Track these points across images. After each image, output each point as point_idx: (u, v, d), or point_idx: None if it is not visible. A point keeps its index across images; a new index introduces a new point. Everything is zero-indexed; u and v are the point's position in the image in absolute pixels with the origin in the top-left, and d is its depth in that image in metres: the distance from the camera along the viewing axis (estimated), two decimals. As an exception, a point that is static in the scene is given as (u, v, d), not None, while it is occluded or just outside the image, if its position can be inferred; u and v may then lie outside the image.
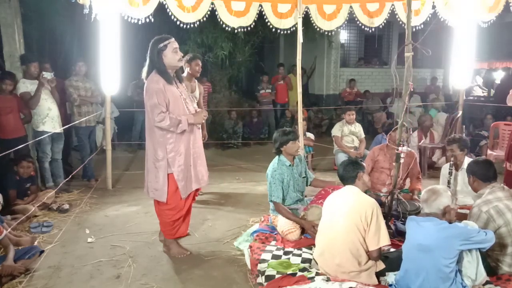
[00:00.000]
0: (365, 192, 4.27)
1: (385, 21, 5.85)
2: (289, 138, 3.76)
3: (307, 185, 4.09)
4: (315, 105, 10.44)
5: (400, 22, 5.69)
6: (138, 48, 6.72)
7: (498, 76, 11.41)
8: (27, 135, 5.00)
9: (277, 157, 3.86)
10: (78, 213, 4.49)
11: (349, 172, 3.00)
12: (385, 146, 4.47)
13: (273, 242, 3.53)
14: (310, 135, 6.73)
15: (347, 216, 2.80)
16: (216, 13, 5.35)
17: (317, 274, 2.92)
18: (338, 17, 5.75)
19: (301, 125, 5.62)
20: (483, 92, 11.27)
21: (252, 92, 9.73)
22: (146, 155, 3.37)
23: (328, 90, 11.01)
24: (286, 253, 3.30)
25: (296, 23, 5.51)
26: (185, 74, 4.60)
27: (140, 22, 5.01)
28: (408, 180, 4.55)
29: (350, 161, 3.09)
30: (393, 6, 5.72)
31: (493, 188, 2.98)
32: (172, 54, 3.19)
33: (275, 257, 3.22)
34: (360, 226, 2.75)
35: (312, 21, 5.68)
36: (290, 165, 3.84)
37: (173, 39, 3.22)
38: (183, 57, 3.34)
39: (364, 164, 3.12)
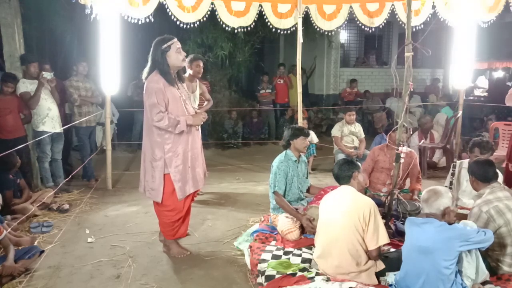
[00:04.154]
0: (365, 191, 4.31)
1: (385, 21, 5.85)
2: (301, 133, 3.86)
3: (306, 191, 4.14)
4: (315, 105, 10.44)
5: (400, 22, 5.69)
6: (138, 48, 6.73)
7: (496, 76, 11.47)
8: (27, 135, 5.00)
9: (284, 151, 3.93)
10: (78, 213, 4.49)
11: (344, 172, 3.00)
12: (385, 146, 4.47)
13: (273, 242, 3.53)
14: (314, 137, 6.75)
15: (345, 217, 2.80)
16: (216, 13, 5.35)
17: (317, 274, 2.92)
18: (338, 17, 5.75)
19: (301, 125, 5.61)
20: (482, 92, 11.30)
21: (252, 92, 9.72)
22: (143, 154, 3.37)
23: (328, 90, 11.02)
24: (286, 253, 3.30)
25: (296, 23, 5.51)
26: (187, 75, 4.61)
27: (140, 22, 5.01)
28: (408, 180, 4.56)
29: (345, 161, 3.09)
30: (393, 6, 5.72)
31: (493, 188, 2.99)
32: (176, 54, 3.19)
33: (275, 257, 3.22)
34: (359, 226, 2.75)
35: (312, 21, 5.68)
36: (295, 161, 3.90)
37: (175, 39, 3.22)
38: (186, 56, 3.34)
39: (359, 163, 3.12)
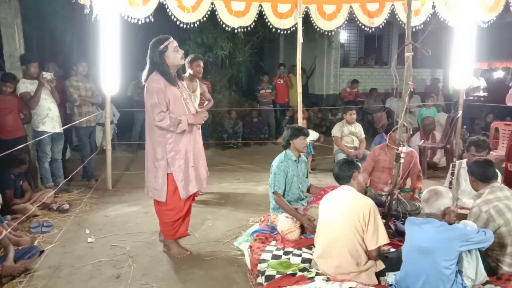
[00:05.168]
0: (365, 191, 4.31)
1: (385, 21, 5.85)
2: (300, 133, 3.86)
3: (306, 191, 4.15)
4: (315, 105, 10.44)
5: (400, 22, 5.69)
6: (138, 48, 6.73)
7: (496, 76, 11.47)
8: (27, 135, 5.00)
9: (284, 151, 3.93)
10: (78, 213, 4.49)
11: (344, 172, 3.00)
12: (385, 146, 4.47)
13: (273, 242, 3.53)
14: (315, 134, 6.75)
15: (345, 217, 2.80)
16: (216, 13, 5.35)
17: (317, 274, 2.92)
18: (338, 17, 5.75)
19: (301, 125, 5.61)
20: (483, 92, 11.29)
21: (252, 92, 9.72)
22: (146, 155, 3.37)
23: (328, 90, 11.02)
24: (286, 253, 3.30)
25: (296, 23, 5.51)
26: (187, 75, 4.62)
27: (140, 22, 5.01)
28: (409, 179, 4.55)
29: (346, 161, 3.09)
30: (393, 6, 5.72)
31: (493, 188, 2.99)
32: (174, 53, 3.19)
33: (275, 257, 3.22)
34: (358, 226, 2.76)
35: (312, 21, 5.68)
36: (295, 160, 3.90)
37: (171, 38, 3.22)
38: (185, 56, 3.34)
39: (359, 164, 3.12)
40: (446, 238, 2.50)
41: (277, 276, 2.93)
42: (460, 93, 6.42)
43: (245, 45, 8.82)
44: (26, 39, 5.43)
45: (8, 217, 4.04)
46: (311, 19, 5.65)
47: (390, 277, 2.89)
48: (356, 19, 5.77)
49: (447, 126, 6.47)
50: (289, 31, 5.74)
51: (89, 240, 3.78)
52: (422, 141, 6.36)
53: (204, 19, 5.29)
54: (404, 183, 4.55)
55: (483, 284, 2.73)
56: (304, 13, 5.53)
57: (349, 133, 6.09)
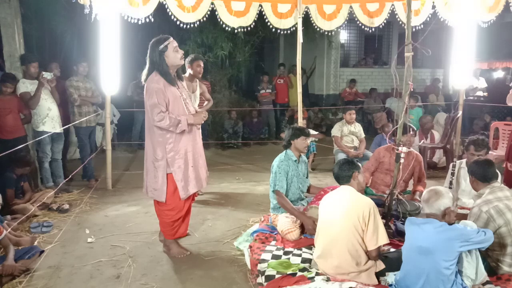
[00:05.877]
0: (365, 191, 4.30)
1: (385, 21, 5.86)
2: (301, 133, 3.86)
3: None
4: (315, 105, 10.45)
5: (400, 22, 5.70)
6: (138, 48, 6.74)
7: (496, 76, 11.48)
8: (27, 135, 5.00)
9: (284, 151, 3.94)
10: (78, 213, 4.49)
11: (345, 172, 3.00)
12: (391, 148, 4.44)
13: (273, 242, 3.53)
14: (314, 132, 6.75)
15: (345, 217, 2.80)
16: (216, 13, 5.35)
17: (317, 274, 2.92)
18: (338, 17, 5.76)
19: (301, 125, 5.61)
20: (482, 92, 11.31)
21: (252, 92, 9.74)
22: (146, 155, 3.37)
23: (328, 90, 11.03)
24: (286, 253, 3.30)
25: (296, 23, 5.52)
26: (187, 75, 4.62)
27: (140, 22, 5.01)
28: (411, 182, 4.54)
29: (346, 161, 3.09)
30: (393, 6, 5.73)
31: (493, 188, 2.99)
32: (174, 53, 3.19)
33: (275, 257, 3.22)
34: (358, 226, 2.75)
35: (312, 21, 5.69)
36: (295, 160, 3.90)
37: (171, 38, 3.22)
38: (185, 56, 3.34)
39: (359, 164, 3.12)
40: (446, 239, 2.50)
41: (277, 276, 2.93)
42: (460, 93, 6.42)
43: (245, 45, 8.83)
44: (26, 39, 5.43)
45: (8, 217, 4.04)
46: (311, 19, 5.66)
47: (390, 277, 2.89)
48: (356, 19, 5.78)
49: (447, 126, 6.47)
50: (289, 31, 5.74)
51: (89, 240, 3.78)
52: (422, 141, 6.36)
53: (204, 19, 5.30)
54: (406, 186, 4.54)
55: (483, 284, 2.73)
56: (304, 13, 5.54)
57: (349, 133, 6.09)
